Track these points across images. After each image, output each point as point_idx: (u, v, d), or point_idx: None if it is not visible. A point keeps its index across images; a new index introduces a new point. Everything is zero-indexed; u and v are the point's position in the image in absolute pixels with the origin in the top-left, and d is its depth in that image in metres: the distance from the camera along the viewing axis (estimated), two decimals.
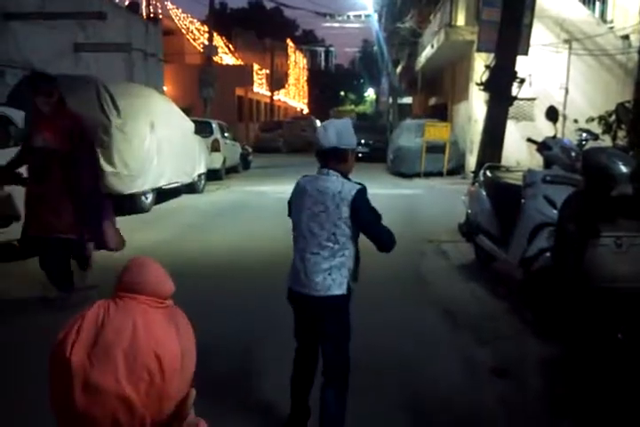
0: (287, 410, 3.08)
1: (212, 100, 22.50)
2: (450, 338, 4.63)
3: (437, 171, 17.27)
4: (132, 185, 9.77)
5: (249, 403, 3.46)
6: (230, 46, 38.86)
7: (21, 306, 5.13)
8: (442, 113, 21.10)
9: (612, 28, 14.81)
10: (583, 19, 15.13)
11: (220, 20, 33.14)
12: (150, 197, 10.67)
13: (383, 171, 19.19)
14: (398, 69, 32.38)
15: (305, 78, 57.45)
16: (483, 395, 3.62)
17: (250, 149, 20.91)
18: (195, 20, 32.27)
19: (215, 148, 15.79)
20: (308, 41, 62.90)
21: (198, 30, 31.92)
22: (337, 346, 2.85)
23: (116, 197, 9.65)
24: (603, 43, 14.72)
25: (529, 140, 6.42)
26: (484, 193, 6.49)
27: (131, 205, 10.09)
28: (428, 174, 17.12)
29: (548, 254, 4.67)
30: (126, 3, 18.61)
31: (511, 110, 9.89)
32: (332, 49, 68.77)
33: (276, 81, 39.57)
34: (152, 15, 21.27)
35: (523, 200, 5.31)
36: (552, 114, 6.13)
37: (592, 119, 10.37)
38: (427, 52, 20.15)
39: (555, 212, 4.69)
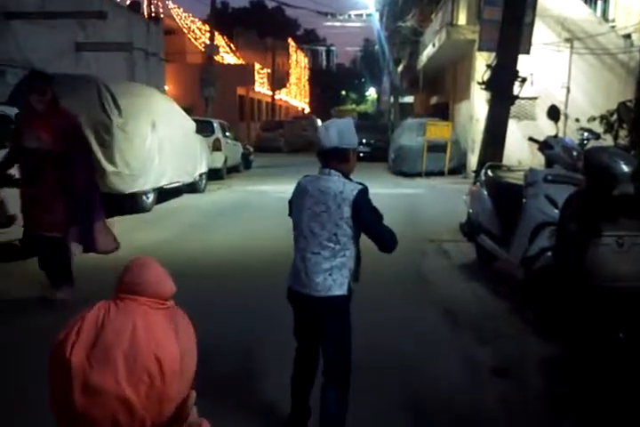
0: (288, 410, 3.08)
1: (213, 100, 22.51)
2: (451, 337, 4.63)
3: (439, 170, 17.26)
4: (133, 184, 9.77)
5: (250, 403, 3.46)
6: (232, 46, 38.85)
7: (21, 306, 5.13)
8: (443, 112, 21.08)
9: (613, 27, 14.80)
10: (585, 18, 15.12)
11: (221, 20, 33.16)
12: (151, 196, 10.67)
13: (384, 170, 19.19)
14: (400, 68, 32.35)
15: (306, 78, 57.43)
16: (484, 394, 3.61)
17: (251, 149, 20.91)
18: (196, 20, 32.26)
19: (216, 147, 15.79)
20: (309, 40, 62.85)
21: (200, 30, 31.91)
22: (338, 346, 2.84)
23: (117, 196, 9.69)
24: (604, 42, 14.71)
25: (530, 139, 6.41)
26: (486, 192, 6.49)
27: (132, 204, 10.09)
28: (429, 174, 17.12)
29: (549, 254, 4.67)
30: (127, 2, 18.60)
31: (513, 109, 9.88)
32: (333, 48, 68.64)
33: (278, 80, 39.56)
34: (153, 14, 21.29)
35: (524, 199, 5.31)
36: (553, 113, 6.12)
37: (594, 118, 10.36)
38: (428, 51, 20.14)
39: (556, 211, 4.68)
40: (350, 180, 2.83)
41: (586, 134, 5.92)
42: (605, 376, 3.66)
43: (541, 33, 14.21)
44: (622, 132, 9.55)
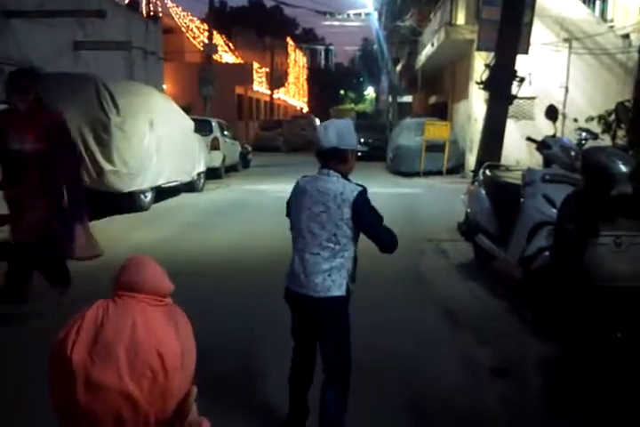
0: (286, 409, 3.07)
1: (211, 99, 22.50)
2: (450, 337, 4.63)
3: (437, 170, 17.27)
4: (131, 183, 9.77)
5: (249, 402, 3.46)
6: (230, 45, 38.86)
7: (21, 306, 5.11)
8: (442, 112, 21.10)
9: (612, 26, 14.81)
10: (583, 18, 15.13)
11: (219, 19, 33.17)
12: (149, 195, 10.66)
13: (383, 170, 19.19)
14: (398, 68, 32.36)
15: (305, 77, 57.43)
16: (483, 394, 3.62)
17: (249, 148, 20.91)
18: (195, 19, 32.25)
19: (215, 146, 15.79)
20: (307, 39, 62.85)
21: (198, 29, 31.90)
22: (337, 347, 2.85)
23: (115, 195, 9.69)
24: (603, 42, 14.73)
25: (528, 139, 6.42)
26: (484, 192, 6.49)
27: (130, 203, 10.09)
28: (427, 173, 17.12)
29: (547, 253, 4.67)
30: (126, 1, 18.58)
31: (511, 109, 9.89)
32: (331, 47, 68.75)
33: (276, 79, 39.55)
34: (152, 13, 21.28)
35: (522, 199, 5.31)
36: (552, 113, 6.13)
37: (592, 118, 10.38)
38: (427, 51, 20.15)
39: (554, 211, 4.69)
40: (349, 180, 2.83)
41: (584, 134, 5.93)
42: (604, 376, 3.67)
43: (540, 33, 14.23)
44: (620, 132, 9.57)
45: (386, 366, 3.94)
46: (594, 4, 16.04)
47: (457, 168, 17.57)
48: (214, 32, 26.16)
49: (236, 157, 18.68)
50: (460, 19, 17.01)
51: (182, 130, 12.22)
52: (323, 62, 69.46)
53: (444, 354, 4.27)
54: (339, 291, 2.75)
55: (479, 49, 13.91)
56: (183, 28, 30.78)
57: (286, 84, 45.94)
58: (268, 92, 38.80)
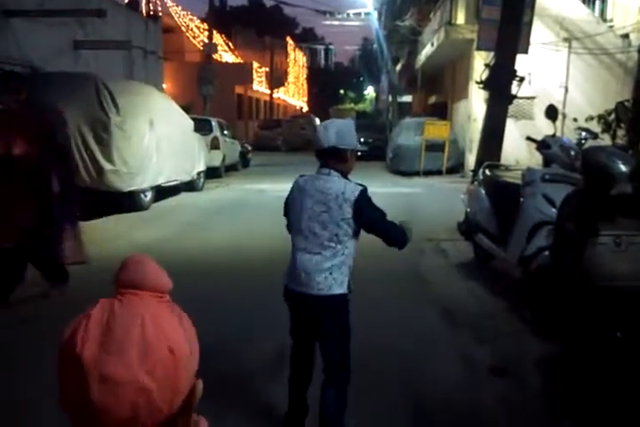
0: (286, 408, 3.08)
1: (211, 98, 22.50)
2: (449, 336, 4.63)
3: (437, 169, 17.27)
4: (131, 182, 9.77)
5: (248, 401, 3.46)
6: (230, 44, 38.85)
7: (19, 306, 5.11)
8: (441, 111, 21.10)
9: (611, 26, 14.81)
10: (583, 17, 15.13)
11: (219, 18, 33.15)
12: (149, 194, 10.66)
13: (382, 169, 19.19)
14: (398, 67, 32.35)
15: (304, 76, 57.42)
16: (482, 394, 3.62)
17: (249, 147, 20.90)
18: (194, 18, 32.25)
19: (214, 145, 15.79)
20: (307, 39, 62.82)
21: (198, 28, 31.89)
22: (337, 345, 2.85)
23: (115, 194, 9.69)
24: (602, 41, 14.72)
25: (528, 138, 6.42)
26: (484, 192, 6.49)
27: (130, 202, 10.09)
28: (427, 173, 17.12)
29: (546, 253, 4.68)
30: (126, 0, 18.58)
31: (511, 109, 9.89)
32: (331, 47, 68.69)
33: (276, 79, 39.54)
34: (152, 13, 21.28)
35: (522, 199, 5.32)
36: (551, 112, 6.13)
37: (591, 118, 10.39)
38: (426, 51, 20.15)
39: (554, 210, 4.69)
40: (349, 180, 2.83)
41: (584, 134, 5.93)
42: (603, 375, 3.67)
43: (540, 32, 14.23)
44: (620, 132, 9.58)
45: (385, 366, 3.94)
46: (593, 3, 16.04)
47: (457, 168, 17.57)
48: (214, 31, 26.15)
49: (236, 157, 18.68)
50: (460, 18, 17.00)
51: (182, 129, 12.22)
52: (322, 62, 69.44)
53: (443, 353, 4.27)
54: (340, 289, 2.76)
55: (479, 48, 13.90)
56: (183, 28, 30.77)
57: (286, 84, 45.93)
58: (268, 91, 38.79)
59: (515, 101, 9.61)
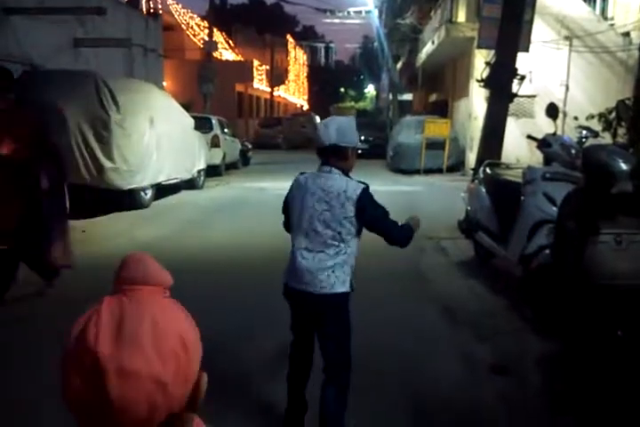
0: (286, 405, 3.08)
1: (211, 96, 22.47)
2: (450, 335, 4.63)
3: (437, 167, 17.26)
4: (131, 180, 9.77)
5: (249, 399, 3.46)
6: (230, 42, 38.78)
7: (17, 305, 5.10)
8: (442, 110, 21.08)
9: (612, 25, 14.80)
10: (584, 16, 15.11)
11: (220, 16, 33.09)
12: (150, 192, 10.66)
13: (383, 167, 19.18)
14: (398, 66, 32.32)
15: (305, 74, 57.36)
16: (483, 392, 3.62)
17: (249, 146, 20.89)
18: (195, 16, 32.20)
19: (215, 144, 15.78)
20: (308, 37, 62.75)
21: (198, 26, 31.85)
22: (338, 344, 2.84)
23: (115, 192, 9.69)
24: (603, 40, 14.71)
25: (529, 137, 6.41)
26: (484, 190, 6.49)
27: (130, 200, 10.09)
28: (427, 171, 17.11)
29: (547, 251, 4.68)
30: None
31: (511, 107, 9.88)
32: (332, 45, 68.69)
33: (276, 77, 39.51)
34: (152, 10, 21.22)
35: (522, 197, 5.31)
36: (552, 111, 6.12)
37: (592, 116, 10.36)
38: (427, 49, 20.13)
39: (554, 209, 4.69)
40: (350, 178, 2.83)
41: (584, 132, 5.92)
42: (604, 374, 3.67)
43: (540, 31, 14.21)
44: (621, 130, 9.56)
45: (385, 364, 3.94)
46: (594, 1, 16.03)
47: (457, 166, 17.56)
48: (214, 29, 26.13)
49: (236, 155, 18.67)
50: (461, 16, 16.98)
51: (182, 127, 12.21)
52: (323, 60, 69.41)
53: (443, 351, 4.27)
54: (343, 287, 2.76)
55: (480, 47, 13.88)
56: (183, 26, 30.73)
57: (286, 82, 45.88)
58: (269, 89, 38.77)
59: (515, 100, 9.59)
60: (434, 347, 4.34)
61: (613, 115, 9.79)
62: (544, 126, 9.65)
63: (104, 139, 9.20)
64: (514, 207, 5.37)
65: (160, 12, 22.17)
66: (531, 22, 12.33)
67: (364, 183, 2.78)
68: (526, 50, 11.75)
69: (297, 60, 52.62)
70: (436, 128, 17.29)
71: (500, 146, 9.23)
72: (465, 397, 3.56)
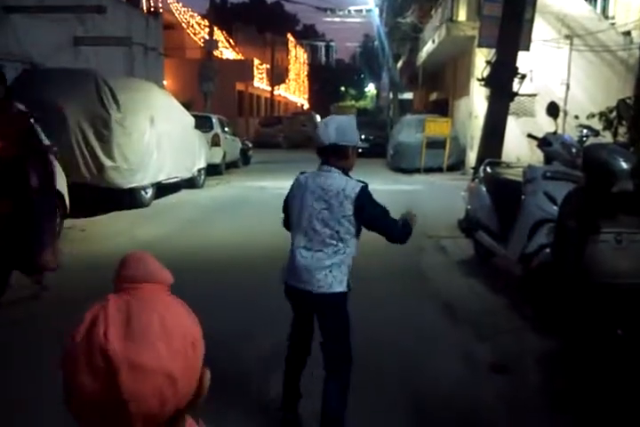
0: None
1: (212, 95, 22.46)
2: (449, 334, 4.63)
3: (437, 166, 17.25)
4: (131, 179, 9.76)
5: (249, 398, 3.47)
6: (231, 41, 38.77)
7: (15, 305, 5.09)
8: (442, 108, 21.07)
9: (613, 24, 14.80)
10: (585, 14, 15.10)
11: (220, 15, 33.09)
12: (150, 191, 10.65)
13: (383, 166, 19.18)
14: (399, 64, 32.31)
15: (305, 73, 57.33)
16: (483, 391, 3.62)
17: (250, 145, 20.88)
18: (195, 15, 32.19)
19: (215, 142, 15.78)
20: (308, 36, 62.75)
21: (199, 24, 31.84)
22: (337, 340, 2.86)
23: (115, 191, 9.69)
24: (604, 39, 14.70)
25: (529, 135, 6.41)
26: (484, 189, 6.49)
27: (130, 199, 10.08)
28: (428, 170, 17.11)
29: (547, 250, 4.67)
30: None
31: (512, 106, 9.88)
32: (332, 44, 68.67)
33: (277, 76, 39.49)
34: (152, 9, 21.21)
35: (523, 196, 5.31)
36: (553, 110, 6.12)
37: (593, 115, 10.36)
38: (428, 48, 20.12)
39: (555, 208, 4.68)
40: (350, 177, 2.83)
41: (585, 131, 5.92)
42: (603, 372, 3.67)
43: (541, 29, 14.20)
44: (621, 129, 9.56)
45: (385, 363, 3.94)
46: (595, 0, 16.01)
47: (457, 165, 17.55)
48: (215, 28, 26.12)
49: (237, 154, 18.67)
50: (462, 15, 16.97)
51: (183, 126, 12.21)
52: (323, 59, 69.38)
53: (443, 350, 4.27)
54: (340, 287, 2.77)
55: (480, 45, 13.87)
56: (184, 24, 30.73)
57: (287, 81, 45.86)
58: (269, 88, 38.75)
59: (516, 99, 9.59)
60: (434, 345, 4.34)
61: (614, 114, 9.79)
62: (545, 125, 9.65)
63: (104, 137, 9.20)
64: (514, 206, 5.37)
65: (160, 10, 22.16)
66: (531, 21, 12.31)
67: (362, 182, 2.78)
68: (527, 49, 11.74)
69: (297, 58, 52.61)
70: (437, 127, 17.28)
71: (501, 145, 9.23)
72: (464, 395, 3.56)
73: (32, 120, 5.07)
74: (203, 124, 14.69)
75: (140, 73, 16.81)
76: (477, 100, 15.84)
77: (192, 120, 12.87)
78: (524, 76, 9.31)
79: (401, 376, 3.80)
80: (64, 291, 5.28)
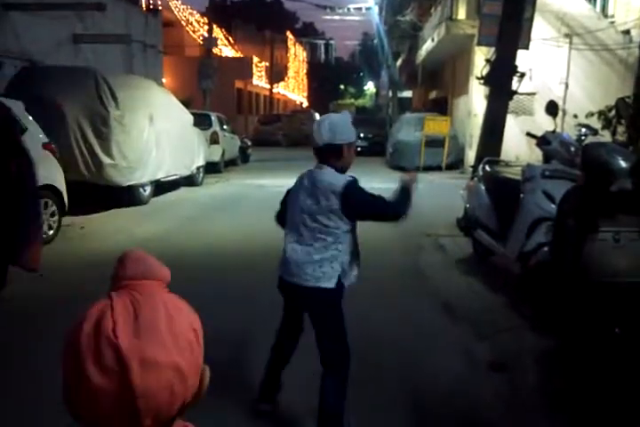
0: (288, 403, 3.11)
1: (211, 93, 22.47)
2: (448, 332, 4.63)
3: (436, 165, 17.25)
4: (130, 177, 9.76)
5: (249, 396, 3.46)
6: (230, 38, 38.74)
7: (14, 305, 5.10)
8: (442, 107, 21.07)
9: (612, 22, 14.77)
10: (584, 13, 15.09)
11: (219, 12, 33.11)
12: (149, 189, 10.66)
13: (382, 165, 19.17)
14: (398, 63, 32.29)
15: (304, 71, 57.29)
16: (481, 389, 3.62)
17: (249, 142, 20.87)
18: (194, 12, 32.14)
19: (214, 140, 15.77)
20: (307, 34, 62.68)
21: (198, 22, 31.80)
22: (329, 336, 2.87)
23: (114, 188, 9.68)
24: (603, 37, 14.69)
25: (528, 134, 6.41)
26: (483, 187, 6.49)
27: (129, 197, 10.09)
28: (427, 168, 17.08)
29: (546, 249, 4.68)
30: None
31: (511, 105, 9.88)
32: (331, 42, 68.55)
33: (276, 74, 39.47)
34: (152, 6, 21.20)
35: (521, 195, 5.31)
36: (552, 108, 6.12)
37: (592, 114, 10.37)
38: (427, 46, 20.10)
39: (553, 206, 4.69)
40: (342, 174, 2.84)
41: (584, 130, 5.92)
42: (602, 371, 3.68)
43: (541, 28, 14.19)
44: (620, 128, 9.57)
45: (384, 360, 3.95)
46: None
47: (456, 163, 17.56)
48: (214, 26, 26.11)
49: (236, 152, 18.66)
50: (461, 13, 16.96)
51: (182, 124, 12.21)
52: (323, 57, 69.27)
53: (442, 348, 4.28)
54: (328, 283, 2.77)
55: (480, 44, 13.86)
56: (183, 22, 30.68)
57: (286, 79, 45.84)
58: (268, 86, 38.72)
59: (515, 97, 9.59)
60: (433, 343, 4.35)
61: (613, 113, 9.80)
62: (543, 124, 9.64)
63: (103, 135, 9.19)
64: (513, 205, 5.38)
65: (160, 8, 22.14)
66: (531, 20, 12.31)
67: (351, 177, 2.79)
68: (526, 47, 11.74)
69: (296, 56, 52.56)
70: (436, 125, 17.28)
71: (500, 143, 9.23)
72: (463, 393, 3.57)
73: (12, 116, 4.93)
74: (202, 121, 14.69)
75: (139, 70, 16.79)
76: (476, 99, 15.84)
77: (191, 118, 12.87)
78: (523, 75, 9.31)
79: (400, 374, 3.81)
80: (63, 289, 5.29)
